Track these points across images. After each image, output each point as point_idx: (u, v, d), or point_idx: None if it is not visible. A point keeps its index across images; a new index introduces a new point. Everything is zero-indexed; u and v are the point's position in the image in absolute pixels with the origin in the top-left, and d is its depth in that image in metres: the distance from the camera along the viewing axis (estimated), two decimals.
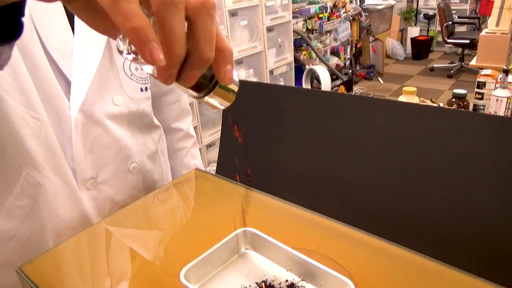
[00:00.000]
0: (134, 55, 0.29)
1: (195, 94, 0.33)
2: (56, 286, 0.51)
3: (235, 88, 0.34)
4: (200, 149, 2.45)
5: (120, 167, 0.72)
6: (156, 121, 0.81)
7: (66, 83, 0.63)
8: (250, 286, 0.48)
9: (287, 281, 0.48)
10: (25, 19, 0.58)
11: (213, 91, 0.32)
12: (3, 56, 0.37)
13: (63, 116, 0.63)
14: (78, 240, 0.60)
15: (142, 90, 0.73)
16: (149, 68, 0.30)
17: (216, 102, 0.34)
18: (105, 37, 0.65)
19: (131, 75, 0.71)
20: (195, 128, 2.37)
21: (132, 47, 0.29)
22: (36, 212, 0.63)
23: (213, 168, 2.31)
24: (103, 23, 0.32)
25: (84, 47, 0.63)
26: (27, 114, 0.58)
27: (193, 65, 0.29)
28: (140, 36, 0.25)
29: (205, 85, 0.32)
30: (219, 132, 0.91)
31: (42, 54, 0.59)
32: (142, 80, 0.72)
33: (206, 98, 0.33)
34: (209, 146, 2.56)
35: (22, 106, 0.58)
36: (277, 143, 0.80)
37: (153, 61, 0.26)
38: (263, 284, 0.48)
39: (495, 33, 2.20)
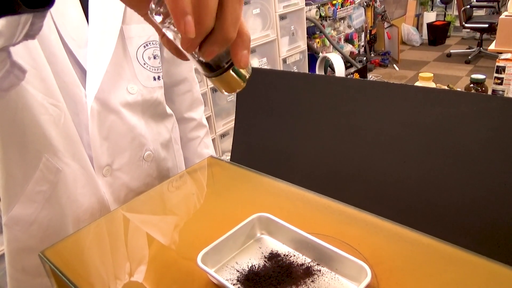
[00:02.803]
0: (163, 18, 0.31)
1: (208, 72, 0.34)
2: (77, 270, 0.53)
3: (246, 76, 0.35)
4: (213, 139, 2.46)
5: (135, 154, 0.73)
6: (168, 110, 0.82)
7: (82, 71, 0.64)
8: (265, 270, 0.48)
9: (302, 265, 0.48)
10: None
11: (226, 73, 0.33)
12: (35, 27, 0.38)
13: (79, 104, 0.64)
14: (97, 226, 0.62)
15: (155, 79, 0.73)
16: (171, 35, 0.32)
17: (225, 85, 0.35)
18: (118, 27, 0.66)
19: (144, 64, 0.71)
20: (208, 118, 2.38)
21: (162, 9, 0.31)
22: (56, 198, 0.65)
23: (227, 157, 2.33)
24: None
25: (98, 37, 0.64)
26: (46, 101, 0.60)
27: (215, 41, 0.31)
28: (179, 7, 0.27)
29: (220, 66, 0.33)
30: (233, 122, 0.91)
31: (59, 43, 0.60)
32: (155, 69, 0.73)
33: (217, 78, 0.34)
34: (222, 135, 2.57)
35: (41, 94, 0.59)
36: (291, 130, 0.80)
37: (185, 32, 0.28)
38: (279, 269, 0.48)
39: None
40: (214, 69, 0.34)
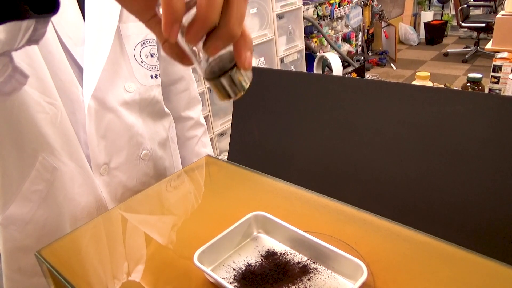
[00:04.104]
0: None
1: (210, 75, 0.34)
2: (74, 269, 0.53)
3: (247, 81, 0.35)
4: (211, 138, 2.46)
5: (132, 153, 0.73)
6: (166, 109, 0.82)
7: (79, 70, 0.64)
8: (262, 268, 0.48)
9: (299, 263, 0.48)
10: None
11: (228, 76, 0.33)
12: (38, 32, 0.38)
13: (76, 103, 0.64)
14: (94, 225, 0.61)
15: (152, 77, 0.73)
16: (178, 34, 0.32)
17: (227, 89, 0.35)
18: (115, 25, 0.66)
19: (142, 62, 0.71)
20: (206, 117, 2.38)
21: None
22: (52, 197, 0.65)
23: (224, 157, 2.32)
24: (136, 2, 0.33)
25: (95, 35, 0.64)
26: (42, 100, 0.60)
27: (220, 36, 0.31)
28: (170, 16, 0.29)
29: (222, 69, 0.33)
30: (230, 121, 0.91)
31: (56, 41, 0.60)
32: (152, 67, 0.73)
33: (219, 80, 0.34)
34: (220, 135, 2.57)
35: (38, 92, 0.59)
36: (289, 129, 0.80)
37: (168, 36, 0.29)
38: (276, 267, 0.48)
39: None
40: (216, 73, 0.34)
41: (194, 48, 0.34)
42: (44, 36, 0.39)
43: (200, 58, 0.34)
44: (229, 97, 0.35)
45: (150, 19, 0.33)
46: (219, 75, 0.34)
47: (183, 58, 0.35)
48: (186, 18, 0.31)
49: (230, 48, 0.33)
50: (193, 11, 0.31)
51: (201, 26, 0.30)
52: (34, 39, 0.39)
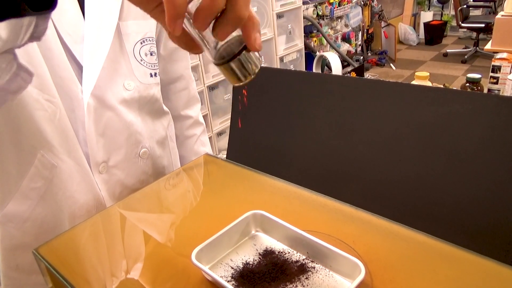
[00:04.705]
0: None
1: (220, 60, 0.34)
2: (72, 267, 0.53)
3: (256, 64, 0.35)
4: (210, 137, 2.46)
5: (131, 151, 0.73)
6: (165, 107, 0.82)
7: (78, 67, 0.64)
8: (260, 267, 0.48)
9: (297, 262, 0.48)
10: None
11: (239, 58, 0.34)
12: (39, 28, 0.38)
13: (75, 100, 0.64)
14: (93, 223, 0.61)
15: (151, 75, 0.73)
16: (186, 22, 0.33)
17: (238, 72, 0.35)
18: (114, 23, 0.66)
19: (141, 60, 0.71)
20: (205, 116, 2.38)
21: None
22: (51, 194, 0.65)
23: (223, 156, 2.32)
24: None
25: (94, 32, 0.64)
26: (41, 97, 0.60)
27: (228, 21, 0.31)
28: (173, 11, 0.29)
29: (230, 53, 0.34)
30: (229, 120, 0.91)
31: (55, 38, 0.60)
32: (152, 66, 0.73)
33: (230, 64, 0.34)
34: (219, 134, 2.57)
35: (37, 89, 0.59)
36: (288, 128, 0.80)
37: (172, 30, 0.30)
38: (273, 265, 0.48)
39: (511, 16, 2.13)
40: (226, 57, 0.34)
41: (204, 33, 0.34)
42: (46, 32, 0.39)
43: (209, 44, 0.34)
44: (239, 80, 0.35)
45: (154, 8, 0.33)
46: (228, 59, 0.34)
47: (191, 46, 0.35)
48: (192, 5, 0.31)
49: (237, 32, 0.33)
50: None
51: (209, 12, 0.30)
52: (36, 36, 0.39)
